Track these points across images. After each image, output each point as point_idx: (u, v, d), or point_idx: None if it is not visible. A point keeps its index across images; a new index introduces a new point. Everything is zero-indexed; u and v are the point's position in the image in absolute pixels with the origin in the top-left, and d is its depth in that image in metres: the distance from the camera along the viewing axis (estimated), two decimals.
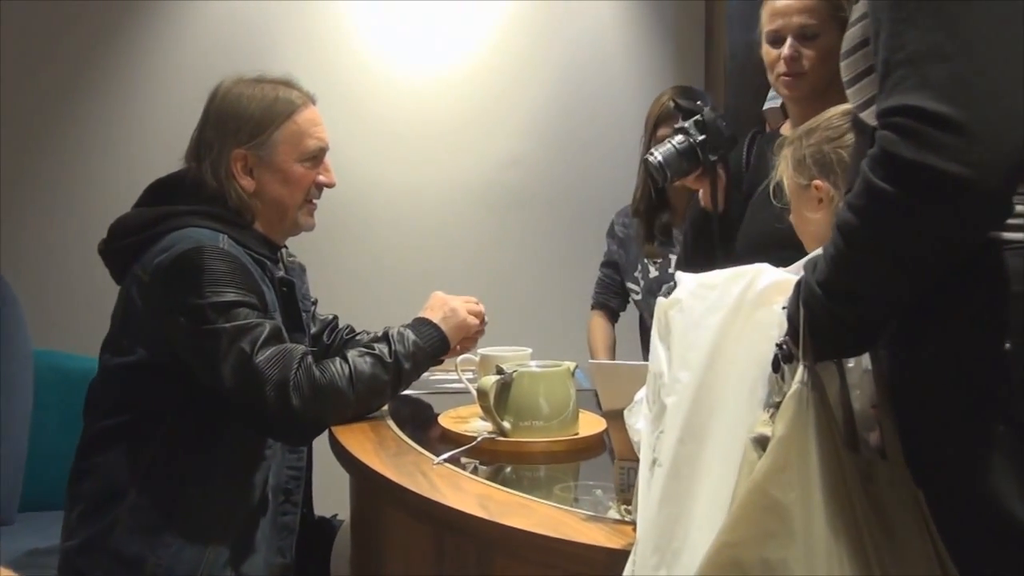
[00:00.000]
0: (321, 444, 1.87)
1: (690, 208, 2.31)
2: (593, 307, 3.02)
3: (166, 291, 1.75)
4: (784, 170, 1.53)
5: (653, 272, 2.79)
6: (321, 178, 1.96)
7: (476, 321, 2.02)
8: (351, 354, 1.83)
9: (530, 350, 1.96)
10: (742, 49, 3.52)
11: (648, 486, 1.10)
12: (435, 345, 1.94)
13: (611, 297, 2.97)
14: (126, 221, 1.89)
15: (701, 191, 2.09)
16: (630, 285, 2.88)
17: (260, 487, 1.85)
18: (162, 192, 1.92)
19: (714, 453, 1.06)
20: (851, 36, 1.05)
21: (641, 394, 1.21)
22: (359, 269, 3.54)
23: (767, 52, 2.01)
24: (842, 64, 1.06)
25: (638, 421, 1.20)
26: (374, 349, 1.85)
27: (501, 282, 3.66)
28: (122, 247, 1.86)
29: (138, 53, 3.41)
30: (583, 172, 3.73)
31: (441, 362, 2.02)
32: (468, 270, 3.63)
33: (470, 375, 2.01)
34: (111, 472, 1.77)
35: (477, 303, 2.05)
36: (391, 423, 1.84)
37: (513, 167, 3.70)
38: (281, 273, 1.95)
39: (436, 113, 3.62)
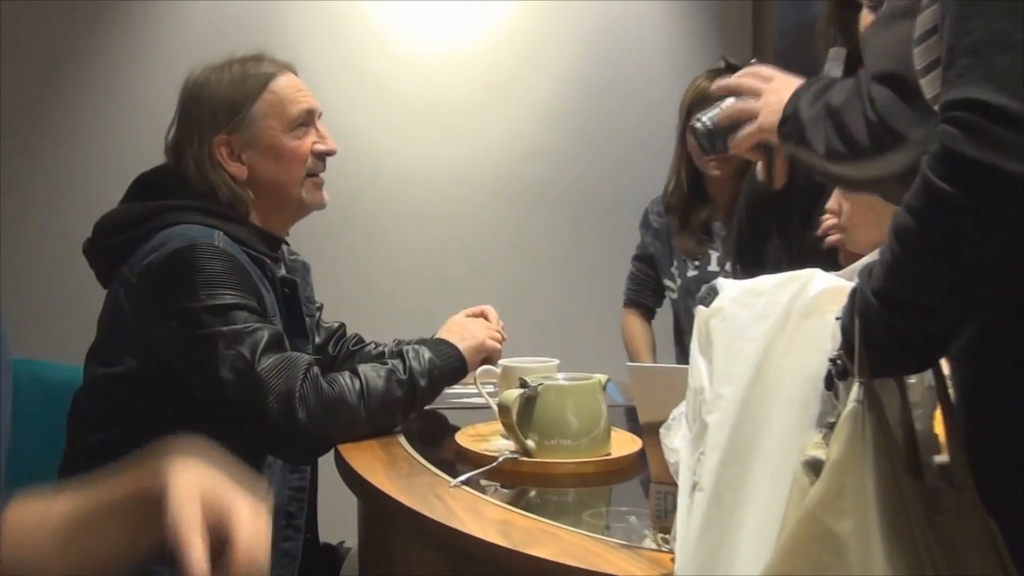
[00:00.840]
0: (326, 464, 1.88)
1: (745, 183, 2.28)
2: (625, 305, 3.00)
3: (156, 294, 1.76)
4: None
5: (691, 271, 2.78)
6: (318, 146, 1.96)
7: (497, 345, 2.03)
8: (363, 368, 1.83)
9: (557, 361, 1.96)
10: (793, 29, 3.51)
11: (688, 512, 1.09)
12: (453, 365, 1.95)
13: (645, 294, 2.95)
14: (112, 218, 1.89)
15: (759, 165, 2.08)
16: (666, 282, 2.86)
17: None
18: (151, 186, 1.93)
19: (761, 477, 1.06)
20: (924, 20, 1.04)
21: (679, 410, 1.20)
22: (365, 270, 3.55)
23: (864, 17, 2.02)
24: (915, 51, 1.06)
25: (675, 440, 1.20)
26: (388, 364, 1.86)
27: (524, 286, 3.66)
28: (109, 246, 1.87)
29: (126, 42, 3.43)
30: (614, 165, 3.73)
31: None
32: (487, 272, 3.63)
33: (491, 388, 2.01)
34: None
35: (499, 325, 2.07)
36: (403, 441, 1.84)
37: (535, 159, 3.70)
38: (282, 272, 1.95)
39: (451, 101, 3.63)
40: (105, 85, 3.41)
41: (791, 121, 1.36)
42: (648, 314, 2.99)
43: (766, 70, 1.51)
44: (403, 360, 1.88)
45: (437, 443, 1.90)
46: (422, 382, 1.87)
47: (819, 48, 2.17)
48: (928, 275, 0.93)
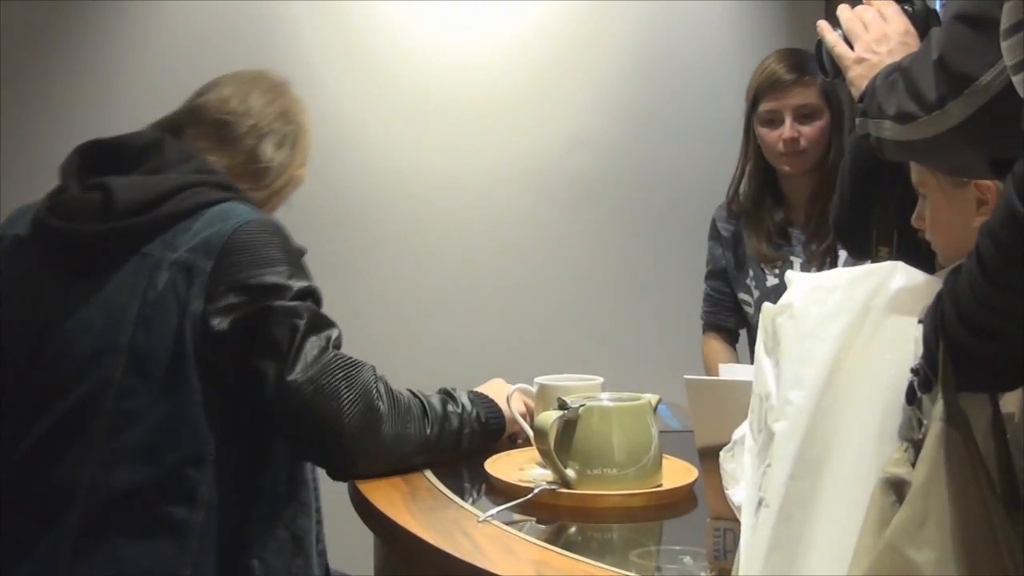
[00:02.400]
0: (338, 495, 1.87)
1: (849, 142, 2.23)
2: (705, 329, 2.97)
3: (226, 266, 1.76)
4: None
5: (771, 280, 2.74)
6: None
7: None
8: (416, 391, 1.87)
9: (601, 379, 1.95)
10: None
11: (753, 533, 1.11)
12: (494, 422, 1.97)
13: (725, 315, 2.91)
14: (127, 193, 1.83)
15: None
16: (742, 296, 2.83)
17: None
18: (115, 159, 1.90)
19: (834, 493, 1.07)
20: (1012, 9, 1.03)
21: (741, 431, 1.20)
22: (390, 279, 3.57)
23: None
24: (1004, 44, 1.05)
25: (738, 467, 1.19)
26: (439, 395, 1.90)
27: (565, 293, 3.66)
28: (124, 228, 1.82)
29: (127, 42, 3.48)
30: (670, 157, 3.72)
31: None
32: (524, 280, 3.63)
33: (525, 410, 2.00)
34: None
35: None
36: (425, 470, 1.84)
37: (580, 150, 3.70)
38: None
39: (484, 87, 3.64)
40: (106, 89, 3.45)
41: (868, 96, 1.37)
42: (731, 338, 2.94)
43: (889, 9, 1.54)
44: (451, 397, 1.92)
45: (464, 472, 1.90)
46: (476, 427, 1.92)
47: None
48: (1011, 307, 0.95)
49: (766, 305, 1.19)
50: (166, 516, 1.70)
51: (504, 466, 1.86)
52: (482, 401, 1.97)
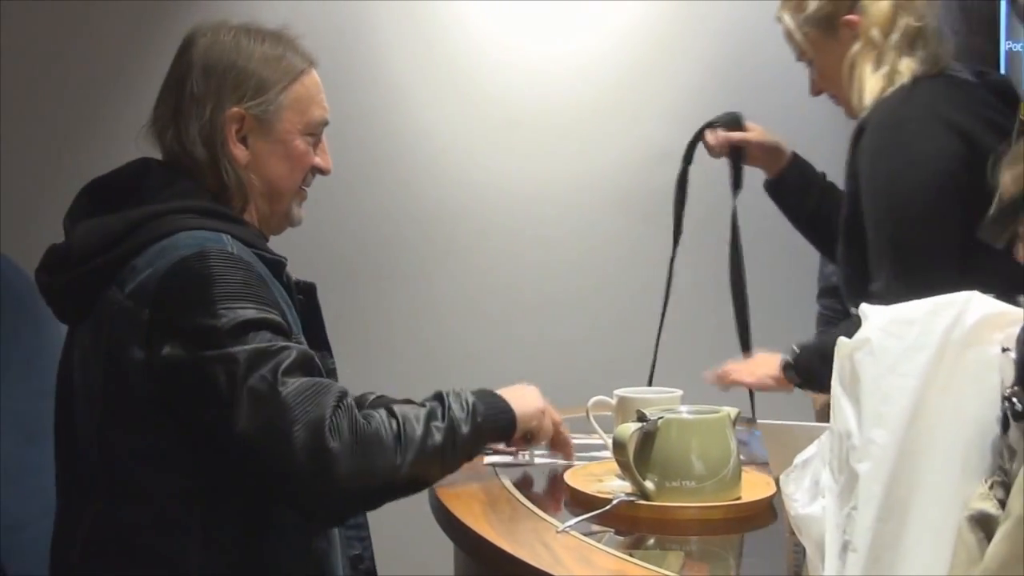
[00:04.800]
0: (417, 505, 1.89)
1: None
2: None
3: (161, 312, 1.67)
4: None
5: None
6: (319, 161, 1.91)
7: (551, 431, 1.95)
8: (400, 407, 1.75)
9: (680, 392, 1.97)
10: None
11: None
12: (499, 418, 1.84)
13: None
14: (85, 239, 1.77)
15: None
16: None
17: None
18: (117, 194, 1.84)
19: (921, 535, 1.06)
20: None
21: (803, 456, 1.20)
22: (468, 287, 3.59)
23: None
24: None
25: (797, 490, 1.20)
26: (425, 406, 1.78)
27: (646, 307, 3.65)
28: (84, 274, 1.76)
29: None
30: (756, 170, 3.71)
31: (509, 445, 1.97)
32: (605, 293, 3.64)
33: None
34: None
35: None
36: (505, 480, 1.87)
37: (664, 162, 3.70)
38: (296, 277, 1.89)
39: (567, 97, 3.65)
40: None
41: None
42: None
43: None
44: (441, 403, 1.79)
45: (543, 483, 1.93)
46: (464, 429, 1.77)
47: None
48: None
49: (841, 340, 1.17)
50: (163, 548, 1.69)
51: (583, 477, 1.88)
52: (488, 401, 1.84)
